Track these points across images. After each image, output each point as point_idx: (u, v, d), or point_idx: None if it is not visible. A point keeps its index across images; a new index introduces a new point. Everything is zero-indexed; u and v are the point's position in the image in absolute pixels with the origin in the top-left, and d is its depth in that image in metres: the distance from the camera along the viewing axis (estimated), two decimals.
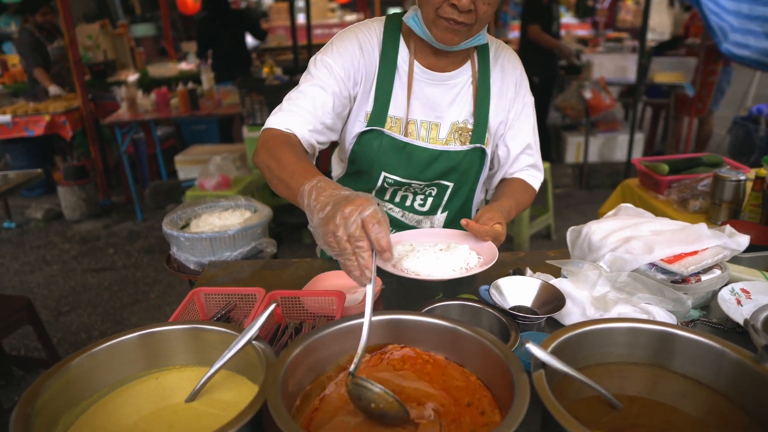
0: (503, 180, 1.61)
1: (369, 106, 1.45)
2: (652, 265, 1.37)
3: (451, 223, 1.59)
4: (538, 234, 4.35)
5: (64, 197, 5.09)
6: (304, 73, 1.44)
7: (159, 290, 3.86)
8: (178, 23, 10.95)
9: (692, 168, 2.35)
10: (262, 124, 1.41)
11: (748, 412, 0.90)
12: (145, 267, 4.22)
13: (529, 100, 1.58)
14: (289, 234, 4.31)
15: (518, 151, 1.57)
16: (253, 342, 0.98)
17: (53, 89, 5.46)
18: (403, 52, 1.45)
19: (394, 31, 1.46)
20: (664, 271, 1.35)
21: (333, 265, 1.67)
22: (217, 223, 1.95)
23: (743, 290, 1.37)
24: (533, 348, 0.86)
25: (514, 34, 8.46)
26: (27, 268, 4.30)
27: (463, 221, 1.24)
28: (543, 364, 0.87)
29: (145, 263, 4.28)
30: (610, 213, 1.63)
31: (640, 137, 5.73)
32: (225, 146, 5.36)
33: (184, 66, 7.15)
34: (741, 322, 1.24)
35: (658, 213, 2.24)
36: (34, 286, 4.02)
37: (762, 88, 6.61)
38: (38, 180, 3.11)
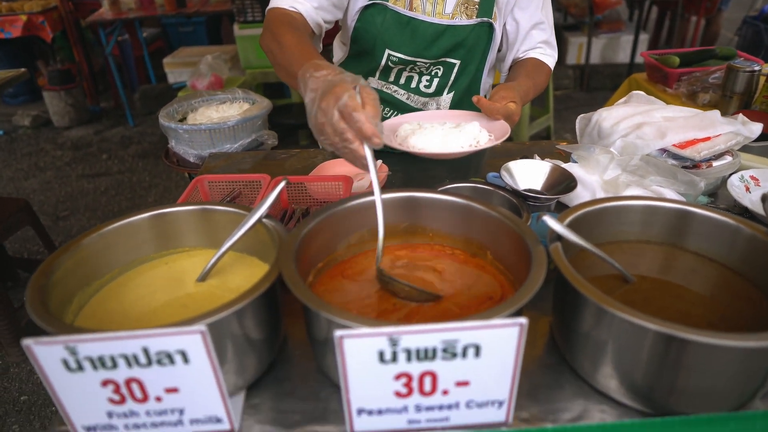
0: (516, 62, 1.55)
1: None
2: (664, 150, 1.35)
3: (457, 105, 1.55)
4: (537, 135, 4.30)
5: (51, 103, 4.93)
6: None
7: (156, 194, 3.84)
8: None
9: (703, 61, 2.27)
10: (255, 21, 1.35)
11: (759, 287, 0.91)
12: (141, 172, 4.17)
13: None
14: (286, 136, 4.23)
15: (528, 25, 1.50)
16: (264, 220, 0.97)
17: None
18: None
19: None
20: (676, 157, 1.33)
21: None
22: (215, 116, 1.90)
23: (752, 177, 1.36)
24: (550, 220, 0.85)
25: None
26: (20, 175, 4.24)
27: (475, 98, 1.19)
28: (559, 237, 0.87)
29: (140, 168, 4.23)
30: (621, 100, 1.59)
31: (644, 38, 5.53)
32: (215, 47, 5.14)
33: None
34: (749, 206, 1.24)
35: None
36: (30, 192, 3.98)
37: None
38: (23, 79, 2.99)
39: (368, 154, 0.91)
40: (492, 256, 0.98)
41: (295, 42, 1.19)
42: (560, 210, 1.28)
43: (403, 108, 1.54)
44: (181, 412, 0.77)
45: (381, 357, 0.68)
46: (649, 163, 1.23)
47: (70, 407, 0.76)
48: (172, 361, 0.72)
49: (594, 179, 1.26)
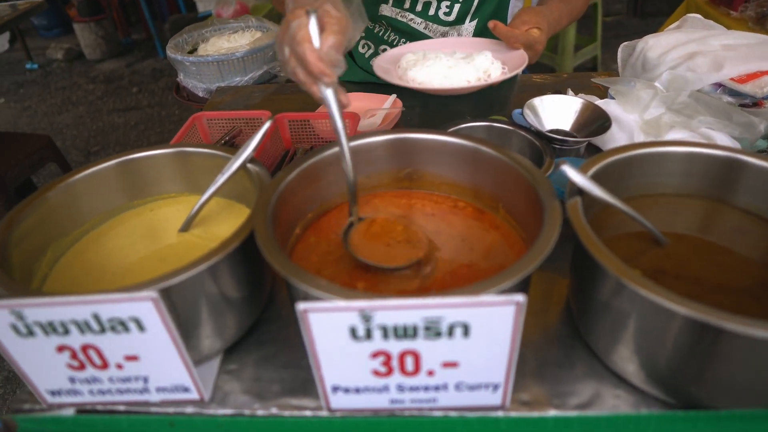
0: None
1: None
2: (719, 85, 1.16)
3: (482, 34, 1.37)
4: (583, 66, 3.99)
5: (82, 35, 4.87)
6: None
7: None
8: None
9: None
10: None
11: None
12: (171, 105, 4.12)
13: None
14: None
15: None
16: (248, 165, 0.87)
17: None
18: None
19: None
20: (733, 93, 1.15)
21: (352, 87, 1.51)
22: (226, 46, 1.77)
23: None
24: (569, 171, 0.72)
25: None
26: (54, 110, 4.25)
27: (491, 23, 1.05)
28: (580, 191, 0.74)
29: (170, 101, 4.17)
30: (673, 25, 1.38)
31: None
32: None
33: None
34: None
35: None
36: (63, 126, 3.99)
37: None
38: (41, 10, 2.92)
39: (327, 96, 0.76)
40: (504, 211, 0.86)
41: None
42: (593, 154, 1.13)
43: (421, 39, 1.38)
44: (146, 380, 0.71)
45: (353, 333, 0.59)
46: (698, 100, 1.06)
47: (30, 372, 0.71)
48: (126, 328, 0.65)
49: (632, 119, 1.10)
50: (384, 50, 1.43)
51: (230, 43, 1.77)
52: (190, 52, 1.82)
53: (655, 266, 0.75)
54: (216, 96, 1.53)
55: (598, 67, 3.95)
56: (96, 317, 0.63)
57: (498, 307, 0.55)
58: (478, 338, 0.58)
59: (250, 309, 0.81)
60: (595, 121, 1.05)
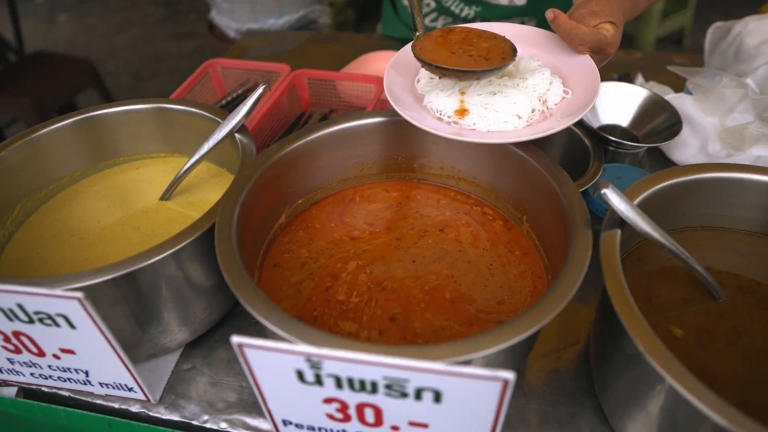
0: None
1: None
2: None
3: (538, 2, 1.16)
4: (668, 38, 3.58)
5: None
6: None
7: None
8: None
9: None
10: None
11: None
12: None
13: None
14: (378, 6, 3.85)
15: None
16: (236, 135, 0.75)
17: None
18: None
19: None
20: None
21: (392, 44, 1.35)
22: None
23: None
24: (611, 196, 0.57)
25: None
26: (113, 30, 4.22)
27: (550, 13, 0.69)
28: (621, 222, 0.58)
29: None
30: None
31: None
32: None
33: None
34: None
35: None
36: (119, 49, 3.97)
37: None
38: None
39: None
40: (529, 226, 0.71)
41: None
42: (656, 159, 0.96)
43: (456, 18, 1.18)
44: (87, 373, 0.63)
45: (300, 377, 0.48)
46: None
47: None
48: (56, 323, 0.56)
49: (711, 122, 0.91)
50: (428, 5, 1.25)
51: None
52: None
53: (703, 326, 0.60)
54: (245, 39, 1.41)
55: (684, 40, 3.55)
56: (21, 308, 0.55)
57: (479, 381, 0.43)
58: (453, 408, 0.46)
59: (219, 299, 0.71)
60: (662, 121, 0.87)
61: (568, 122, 0.64)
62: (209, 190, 0.83)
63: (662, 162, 0.95)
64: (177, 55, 3.83)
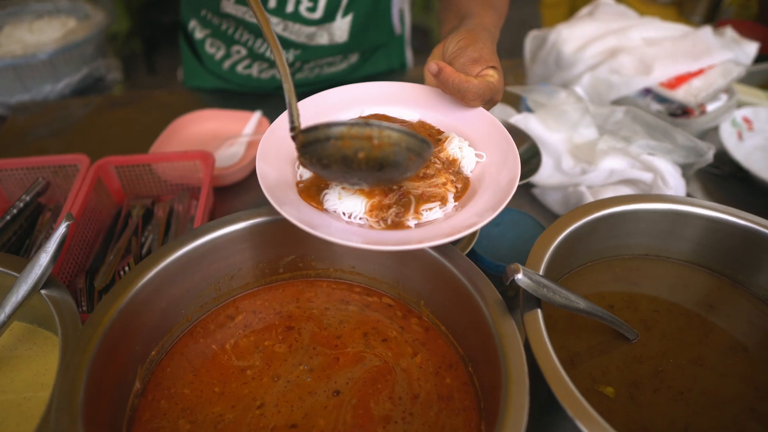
0: None
1: None
2: (647, 91, 1.00)
3: (359, 33, 1.08)
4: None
5: None
6: None
7: None
8: None
9: None
10: None
11: None
12: None
13: None
14: (167, 36, 3.51)
15: None
16: (43, 292, 0.56)
17: None
18: None
19: None
20: (662, 99, 1.00)
21: (201, 98, 1.19)
22: (29, 40, 1.33)
23: (745, 120, 1.07)
24: (524, 281, 0.50)
25: None
26: None
27: (433, 66, 0.61)
28: (537, 301, 0.53)
29: None
30: (584, 11, 1.20)
31: None
32: None
33: None
34: (741, 161, 0.95)
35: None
36: None
37: None
38: None
39: None
40: (428, 309, 0.63)
41: None
42: (521, 187, 0.93)
43: (282, 44, 1.05)
44: None
45: None
46: (636, 118, 0.88)
47: None
48: None
49: (559, 138, 0.91)
50: (238, 52, 1.10)
51: (33, 34, 1.33)
52: None
53: (628, 378, 0.57)
54: (16, 117, 1.13)
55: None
56: None
57: None
58: None
59: None
60: (523, 152, 0.84)
61: (507, 197, 0.54)
62: (20, 365, 0.61)
63: (523, 187, 0.93)
64: None
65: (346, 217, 0.55)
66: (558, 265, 0.62)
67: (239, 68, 1.14)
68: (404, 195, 0.56)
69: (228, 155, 0.98)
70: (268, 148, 0.59)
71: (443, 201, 0.56)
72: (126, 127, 1.09)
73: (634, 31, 1.06)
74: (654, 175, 0.81)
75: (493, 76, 0.62)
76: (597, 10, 1.17)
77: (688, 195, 0.94)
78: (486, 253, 0.72)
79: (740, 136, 1.05)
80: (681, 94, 0.96)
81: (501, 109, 1.02)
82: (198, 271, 0.61)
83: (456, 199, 0.58)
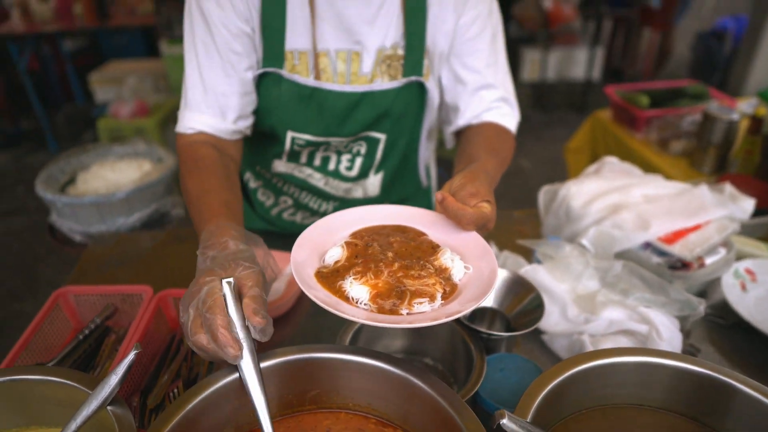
0: (469, 128, 1.15)
1: (259, 40, 1.05)
2: (647, 244, 1.10)
3: (389, 187, 1.24)
4: None
5: None
6: (187, 28, 1.04)
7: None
8: None
9: (674, 100, 2.06)
10: (182, 38, 1.06)
11: None
12: None
13: (486, 7, 1.09)
14: None
15: (477, 83, 1.12)
16: (110, 408, 0.67)
17: None
18: None
19: None
20: (662, 253, 1.09)
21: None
22: (111, 178, 1.56)
23: (748, 271, 1.14)
24: (508, 425, 0.59)
25: None
26: None
27: (438, 196, 0.79)
28: None
29: None
30: (591, 169, 1.34)
31: (599, 53, 5.42)
32: (147, 62, 4.71)
33: None
34: (745, 316, 1.01)
35: (634, 155, 1.98)
36: None
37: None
38: None
39: (245, 374, 0.66)
40: None
41: (196, 191, 0.95)
42: (527, 335, 1.02)
43: (322, 195, 1.24)
44: None
45: None
46: (633, 272, 0.98)
47: None
48: None
49: (565, 289, 1.01)
50: (285, 202, 1.28)
51: (115, 173, 1.57)
52: (68, 183, 1.59)
53: None
54: (94, 247, 1.31)
55: None
56: None
57: None
58: None
59: None
60: (524, 296, 0.94)
61: (481, 300, 0.68)
62: None
63: (533, 332, 1.01)
64: (6, 235, 3.47)
65: (354, 301, 0.70)
66: (550, 412, 0.69)
67: (285, 215, 1.31)
68: (401, 290, 0.71)
69: (270, 291, 1.11)
70: (303, 244, 0.77)
71: (432, 298, 0.70)
72: (185, 261, 1.24)
73: (636, 189, 1.19)
74: (649, 327, 0.89)
75: (486, 207, 0.79)
76: (603, 168, 1.32)
77: (692, 346, 1.01)
78: (489, 396, 0.80)
79: (744, 287, 1.12)
80: (678, 248, 1.06)
81: (513, 259, 1.13)
82: (236, 399, 0.71)
83: (443, 298, 0.71)
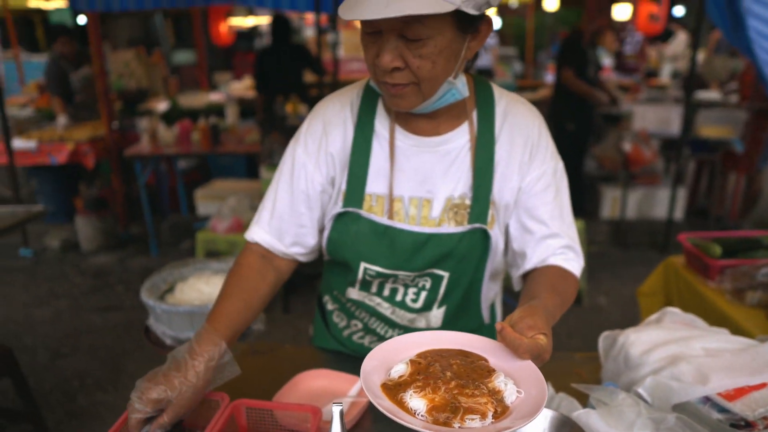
0: (535, 270, 1.25)
1: (344, 184, 1.25)
2: (707, 399, 1.10)
3: (451, 321, 1.33)
4: None
5: (81, 228, 5.01)
6: (281, 163, 1.32)
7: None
8: (215, 52, 11.09)
9: (749, 251, 2.04)
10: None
11: None
12: None
13: (551, 165, 1.24)
14: (305, 282, 4.12)
15: (542, 232, 1.23)
16: None
17: (62, 119, 5.39)
18: (382, 116, 1.24)
19: (372, 94, 1.25)
20: (722, 410, 1.08)
21: (323, 356, 1.46)
22: (205, 291, 1.75)
23: None
24: None
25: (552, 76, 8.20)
26: (35, 302, 4.18)
27: (498, 326, 0.89)
28: None
29: None
30: (653, 318, 1.37)
31: (682, 193, 5.38)
32: (247, 182, 5.23)
33: (212, 97, 7.10)
34: None
35: (706, 303, 1.94)
36: (39, 322, 3.88)
37: None
38: (42, 215, 3.01)
39: None
40: None
41: (222, 290, 1.22)
42: None
43: (389, 323, 1.35)
44: None
45: None
46: (686, 426, 0.98)
47: None
48: None
49: None
50: (356, 325, 1.40)
51: (209, 286, 1.75)
52: (167, 292, 1.79)
53: None
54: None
55: (582, 298, 3.99)
56: None
57: None
58: None
59: None
60: None
61: (527, 421, 0.77)
62: None
63: None
64: (102, 329, 3.78)
65: (413, 412, 0.80)
66: None
67: (355, 338, 1.42)
68: (455, 405, 0.79)
69: (329, 411, 1.19)
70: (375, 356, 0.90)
71: (483, 416, 0.78)
72: (261, 373, 1.36)
73: (696, 341, 1.20)
74: None
75: (542, 340, 0.89)
76: (664, 318, 1.33)
77: None
78: None
79: None
80: (738, 406, 1.05)
81: (568, 402, 1.15)
82: None
83: (494, 417, 0.79)
